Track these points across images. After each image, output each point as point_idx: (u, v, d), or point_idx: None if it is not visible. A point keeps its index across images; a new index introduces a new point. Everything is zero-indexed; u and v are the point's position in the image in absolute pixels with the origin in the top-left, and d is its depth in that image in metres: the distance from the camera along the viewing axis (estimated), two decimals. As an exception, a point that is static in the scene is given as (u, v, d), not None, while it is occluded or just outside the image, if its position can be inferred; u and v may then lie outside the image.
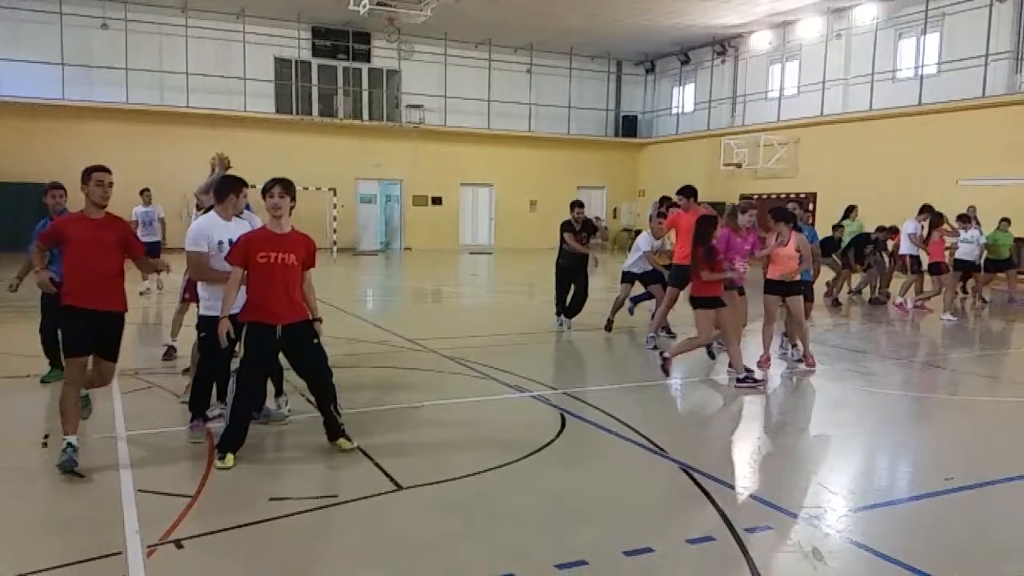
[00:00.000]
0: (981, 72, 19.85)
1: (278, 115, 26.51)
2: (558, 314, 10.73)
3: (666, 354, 7.79)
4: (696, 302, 7.58)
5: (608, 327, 10.51)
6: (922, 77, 21.50)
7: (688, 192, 9.48)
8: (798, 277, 8.27)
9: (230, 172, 6.91)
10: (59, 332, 5.01)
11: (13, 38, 23.08)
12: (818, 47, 24.64)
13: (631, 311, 11.06)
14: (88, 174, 4.99)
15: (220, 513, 4.23)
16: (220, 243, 5.29)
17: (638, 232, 32.24)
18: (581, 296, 10.59)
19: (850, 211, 15.19)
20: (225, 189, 5.49)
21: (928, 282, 13.73)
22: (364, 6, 22.08)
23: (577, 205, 10.62)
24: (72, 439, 4.76)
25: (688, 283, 9.70)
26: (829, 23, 24.28)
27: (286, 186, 5.09)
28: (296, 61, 27.01)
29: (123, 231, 5.10)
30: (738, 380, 7.54)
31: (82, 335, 4.86)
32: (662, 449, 5.56)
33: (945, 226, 13.31)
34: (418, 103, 28.26)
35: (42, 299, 6.81)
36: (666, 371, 7.72)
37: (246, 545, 3.93)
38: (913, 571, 3.70)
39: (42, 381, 7.03)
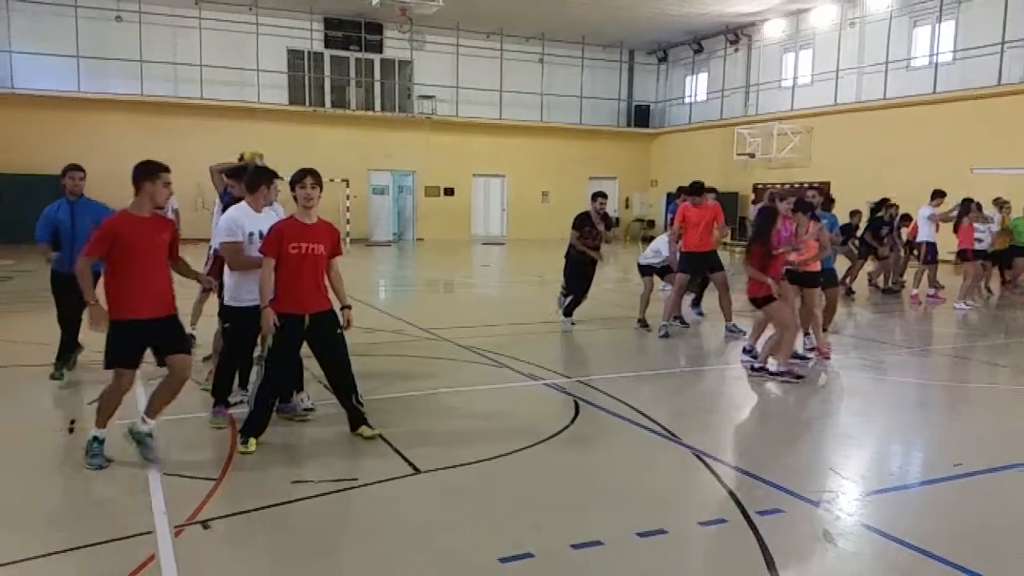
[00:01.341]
0: (997, 60, 19.70)
1: (291, 106, 26.63)
2: (565, 295, 10.33)
3: (771, 365, 7.38)
4: (758, 302, 7.40)
5: (643, 325, 10.10)
6: (937, 65, 21.35)
7: (699, 190, 9.61)
8: (816, 267, 8.27)
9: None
10: (107, 342, 4.61)
11: (29, 31, 23.28)
12: (832, 35, 24.49)
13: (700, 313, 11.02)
14: (155, 172, 4.64)
15: (244, 495, 4.36)
16: (251, 234, 5.35)
17: (651, 222, 32.23)
18: (581, 295, 10.20)
19: (882, 204, 15.04)
20: (257, 180, 5.54)
21: (939, 272, 13.74)
22: (376, -3, 22.14)
23: (600, 196, 9.93)
24: (101, 433, 4.71)
25: (697, 270, 9.83)
26: (843, 11, 24.13)
27: (317, 177, 5.15)
28: (309, 52, 27.11)
29: (173, 231, 4.85)
30: (753, 368, 7.60)
31: (135, 347, 4.63)
32: (675, 435, 5.64)
33: (974, 213, 13.23)
34: (430, 94, 28.28)
35: (53, 287, 6.79)
36: (779, 374, 7.33)
37: (270, 525, 4.05)
38: (924, 553, 3.76)
39: (51, 377, 6.80)
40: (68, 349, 6.88)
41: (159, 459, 4.65)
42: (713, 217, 9.69)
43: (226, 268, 5.51)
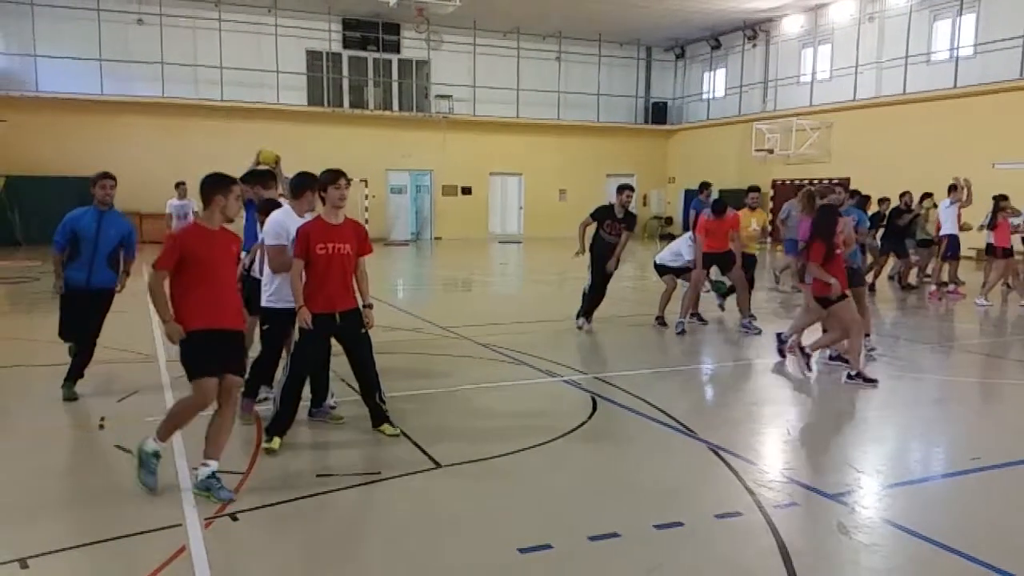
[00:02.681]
0: (1018, 54, 19.50)
1: (310, 107, 26.84)
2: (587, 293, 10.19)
3: (851, 372, 7.24)
4: (823, 301, 7.30)
5: (660, 322, 10.12)
6: (957, 59, 21.16)
7: (722, 209, 9.81)
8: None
9: (261, 168, 7.08)
10: (185, 357, 4.42)
11: (52, 35, 23.62)
12: (851, 30, 24.32)
13: (721, 307, 10.95)
14: (228, 185, 4.45)
15: (270, 488, 4.48)
16: (293, 239, 5.37)
17: (668, 219, 32.05)
18: (599, 294, 10.03)
19: (924, 199, 14.87)
20: (302, 186, 5.56)
21: (957, 268, 13.67)
22: (393, -3, 22.26)
23: (626, 189, 9.62)
24: (161, 447, 4.45)
25: (710, 267, 9.87)
26: (862, 6, 23.95)
27: (347, 177, 5.25)
28: (327, 53, 27.30)
29: (240, 244, 4.71)
30: (804, 352, 7.63)
31: (214, 355, 4.37)
32: (691, 430, 5.69)
33: (1008, 208, 13.11)
34: (447, 93, 28.39)
35: (62, 299, 6.58)
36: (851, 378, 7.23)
37: (296, 517, 4.16)
38: (940, 546, 3.80)
39: (64, 399, 6.34)
40: (77, 366, 6.48)
41: (235, 495, 4.34)
42: (730, 227, 9.82)
43: (266, 270, 5.60)
